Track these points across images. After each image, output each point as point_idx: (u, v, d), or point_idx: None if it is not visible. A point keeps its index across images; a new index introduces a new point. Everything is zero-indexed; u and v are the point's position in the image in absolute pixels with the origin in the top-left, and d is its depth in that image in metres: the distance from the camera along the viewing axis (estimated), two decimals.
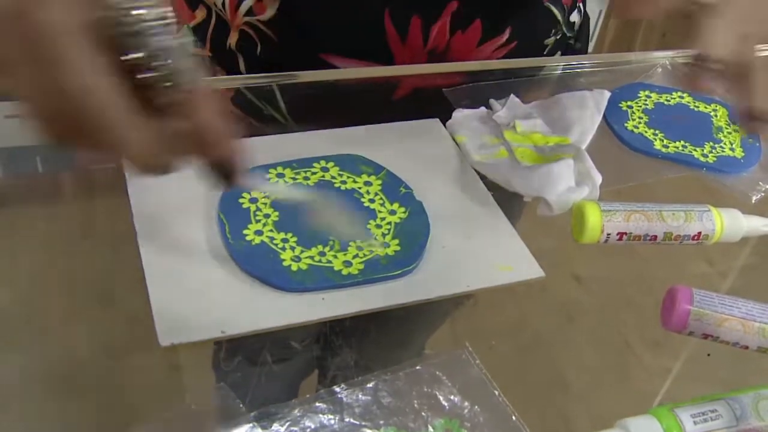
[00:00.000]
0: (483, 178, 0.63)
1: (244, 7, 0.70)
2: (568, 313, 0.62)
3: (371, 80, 0.71)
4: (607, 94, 0.74)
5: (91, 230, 0.57)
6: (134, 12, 0.35)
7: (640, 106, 0.75)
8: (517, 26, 0.72)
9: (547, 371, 0.56)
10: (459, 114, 0.67)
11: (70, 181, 0.64)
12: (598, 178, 0.62)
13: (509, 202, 0.62)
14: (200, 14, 0.74)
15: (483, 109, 0.70)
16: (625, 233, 0.58)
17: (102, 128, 0.35)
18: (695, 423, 0.44)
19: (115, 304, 0.52)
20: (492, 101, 0.71)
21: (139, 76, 0.36)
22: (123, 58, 0.36)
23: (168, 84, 0.36)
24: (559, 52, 0.78)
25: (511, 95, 0.67)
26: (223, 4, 0.70)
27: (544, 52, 0.77)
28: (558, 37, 0.76)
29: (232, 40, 0.72)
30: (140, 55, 0.35)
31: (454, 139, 0.67)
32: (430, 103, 0.72)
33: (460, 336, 0.56)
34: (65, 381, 0.47)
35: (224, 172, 0.41)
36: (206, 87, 0.38)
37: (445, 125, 0.68)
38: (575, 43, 0.80)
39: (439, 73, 0.70)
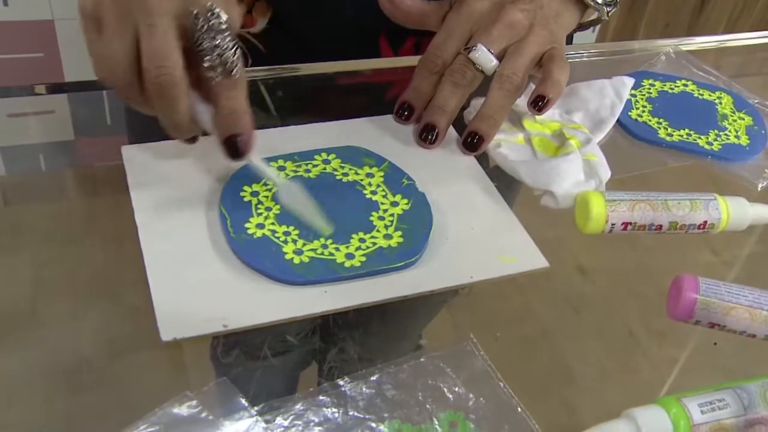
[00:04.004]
0: (486, 167, 0.63)
1: None
2: (571, 304, 0.62)
3: (364, 80, 0.71)
4: (630, 82, 0.73)
5: (93, 227, 0.57)
6: (214, 13, 0.48)
7: (644, 95, 0.74)
8: None
9: (551, 362, 0.56)
10: (477, 102, 0.66)
11: (73, 178, 0.64)
12: (606, 175, 0.62)
13: (507, 189, 0.62)
14: None
15: None
16: (630, 223, 0.57)
17: (163, 89, 0.48)
18: (702, 412, 0.44)
19: (118, 300, 0.51)
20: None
21: (204, 63, 0.49)
22: (193, 45, 0.49)
23: (219, 70, 0.49)
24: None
25: (530, 84, 0.66)
26: None
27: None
28: None
29: None
30: (206, 46, 0.48)
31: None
32: None
33: (462, 327, 0.55)
34: (69, 377, 0.47)
35: (234, 147, 0.52)
36: (244, 77, 0.51)
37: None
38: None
39: None
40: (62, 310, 0.50)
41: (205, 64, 0.49)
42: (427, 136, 0.63)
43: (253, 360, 0.59)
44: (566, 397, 0.55)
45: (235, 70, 0.50)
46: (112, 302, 0.51)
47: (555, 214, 0.60)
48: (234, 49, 0.50)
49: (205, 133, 0.54)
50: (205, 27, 0.48)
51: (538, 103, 0.62)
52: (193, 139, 0.55)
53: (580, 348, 0.61)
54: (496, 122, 0.63)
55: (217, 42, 0.49)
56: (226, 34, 0.49)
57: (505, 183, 0.62)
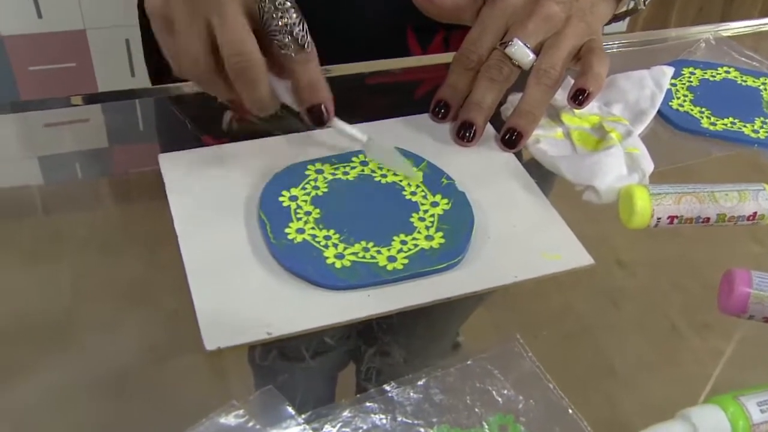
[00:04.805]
0: (521, 162, 0.62)
1: None
2: (612, 299, 0.60)
3: (393, 79, 0.71)
4: (669, 71, 0.72)
5: (130, 233, 0.57)
6: None
7: (684, 84, 0.73)
8: None
9: (593, 357, 0.55)
10: (514, 98, 0.65)
11: (108, 186, 0.64)
12: (650, 168, 0.60)
13: (542, 184, 0.61)
14: None
15: None
16: (676, 216, 0.56)
17: (245, 73, 0.51)
18: (762, 411, 0.42)
19: (157, 307, 0.52)
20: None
21: (275, 43, 0.52)
22: (263, 27, 0.52)
23: (292, 47, 0.52)
24: None
25: (568, 77, 0.65)
26: None
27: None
28: None
29: None
30: (276, 26, 0.51)
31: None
32: None
33: (501, 324, 0.54)
34: (112, 385, 0.47)
35: (318, 115, 0.55)
36: (313, 52, 0.53)
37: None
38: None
39: None
40: (102, 318, 0.50)
41: (277, 44, 0.52)
42: (465, 133, 0.62)
43: (291, 362, 0.59)
44: (610, 393, 0.54)
45: (306, 44, 0.52)
46: (152, 308, 0.51)
47: (592, 208, 0.59)
48: (301, 23, 0.52)
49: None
50: (272, 8, 0.51)
51: (579, 97, 0.61)
52: (274, 116, 0.57)
53: (622, 342, 0.60)
54: (535, 118, 0.62)
55: (285, 20, 0.51)
56: (292, 11, 0.52)
57: (540, 178, 0.61)
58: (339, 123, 0.57)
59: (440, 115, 0.64)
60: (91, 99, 0.68)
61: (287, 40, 0.52)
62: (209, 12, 0.50)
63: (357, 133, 0.58)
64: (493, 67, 0.62)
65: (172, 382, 0.48)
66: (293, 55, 0.52)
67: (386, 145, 0.59)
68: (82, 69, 1.66)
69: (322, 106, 0.55)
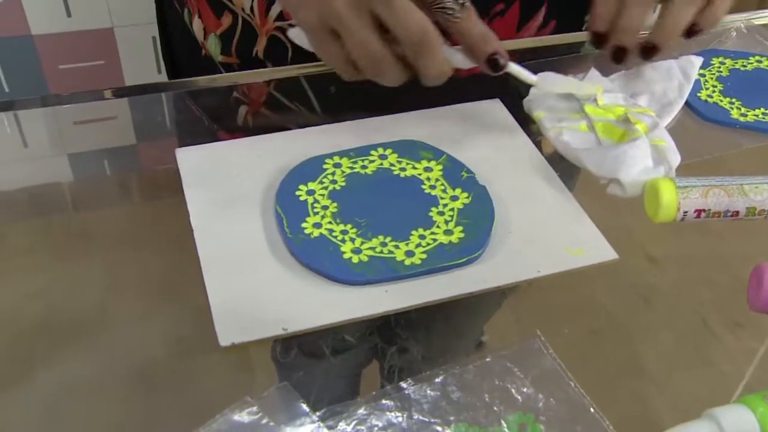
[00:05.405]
0: (543, 154, 0.61)
1: (274, 11, 0.68)
2: (640, 294, 0.59)
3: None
4: (698, 61, 0.70)
5: (159, 229, 0.58)
6: None
7: (714, 74, 0.71)
8: (554, 3, 0.69)
9: (620, 354, 0.53)
10: (536, 90, 0.64)
11: (137, 181, 0.64)
12: (676, 160, 0.59)
13: (566, 177, 0.60)
14: (226, 21, 0.72)
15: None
16: (704, 210, 0.54)
17: (424, 47, 0.53)
18: None
19: (186, 302, 0.52)
20: (571, 76, 0.68)
21: (434, 9, 0.53)
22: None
23: (456, 9, 0.54)
24: None
25: (592, 68, 0.64)
26: (252, 8, 0.68)
27: (583, 28, 0.74)
28: None
29: (260, 47, 0.71)
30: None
31: (530, 116, 0.64)
32: (471, 89, 0.69)
33: (524, 321, 0.53)
34: (138, 380, 0.47)
35: (495, 63, 0.56)
36: (471, 7, 0.55)
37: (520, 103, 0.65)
38: None
39: None
40: (130, 313, 0.51)
41: (440, 11, 0.54)
42: (619, 58, 0.63)
43: (312, 359, 0.59)
44: (635, 391, 0.52)
45: (464, 1, 0.54)
46: (179, 303, 0.51)
47: (617, 201, 0.58)
48: None
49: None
50: None
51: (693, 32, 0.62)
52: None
53: (649, 340, 0.59)
54: (673, 34, 0.62)
55: None
56: None
57: (563, 172, 0.60)
58: (515, 68, 0.59)
59: (596, 47, 0.64)
60: (115, 93, 0.68)
61: (449, 3, 0.53)
62: (374, 4, 0.52)
63: (529, 77, 0.61)
64: None
65: (195, 378, 0.48)
66: (458, 15, 0.54)
67: (555, 76, 0.63)
68: (110, 66, 1.67)
69: (498, 54, 0.56)
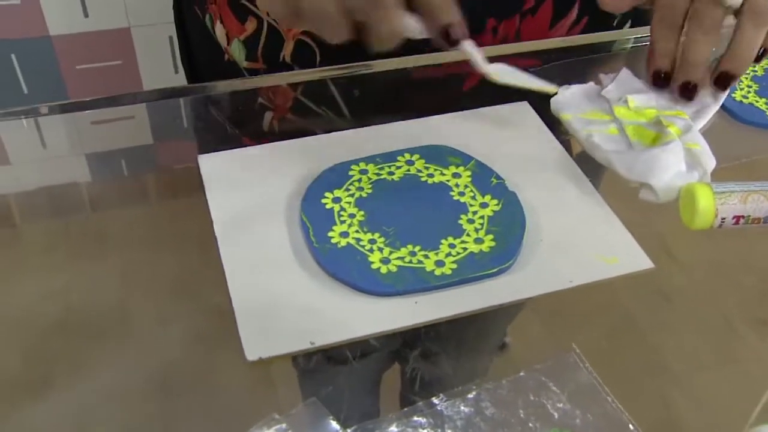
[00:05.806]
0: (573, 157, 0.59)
1: None
2: (665, 296, 0.58)
3: (440, 73, 0.69)
4: None
5: (177, 229, 0.57)
6: None
7: (748, 74, 0.69)
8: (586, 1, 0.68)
9: (645, 355, 0.52)
10: (565, 91, 0.62)
11: (154, 181, 0.64)
12: (711, 164, 0.57)
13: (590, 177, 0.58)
14: (251, 26, 0.71)
15: (591, 84, 0.66)
16: (742, 216, 0.53)
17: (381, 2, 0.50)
18: None
19: (203, 303, 0.51)
20: (601, 76, 0.66)
21: None
22: None
23: None
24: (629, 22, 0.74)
25: (623, 69, 0.62)
26: None
27: (614, 24, 0.72)
28: None
29: (287, 51, 0.70)
30: None
31: (558, 117, 0.63)
32: (500, 92, 0.68)
33: (555, 331, 0.52)
34: (159, 382, 0.47)
35: (448, 35, 0.53)
36: None
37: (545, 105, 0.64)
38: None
39: (508, 56, 0.66)
40: (149, 315, 0.50)
41: None
42: (688, 95, 0.61)
43: (335, 365, 0.58)
44: (663, 392, 0.51)
45: None
46: (199, 305, 0.51)
47: (647, 206, 0.56)
48: None
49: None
50: None
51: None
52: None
53: (675, 340, 0.58)
54: (749, 60, 0.60)
55: None
56: None
57: (588, 172, 0.59)
58: (469, 46, 0.56)
59: (661, 86, 0.63)
60: (131, 99, 0.67)
61: None
62: None
63: (484, 63, 0.57)
64: (705, 17, 0.58)
65: (215, 381, 0.47)
66: None
67: (510, 69, 0.60)
68: (128, 66, 1.67)
69: (453, 28, 0.53)
